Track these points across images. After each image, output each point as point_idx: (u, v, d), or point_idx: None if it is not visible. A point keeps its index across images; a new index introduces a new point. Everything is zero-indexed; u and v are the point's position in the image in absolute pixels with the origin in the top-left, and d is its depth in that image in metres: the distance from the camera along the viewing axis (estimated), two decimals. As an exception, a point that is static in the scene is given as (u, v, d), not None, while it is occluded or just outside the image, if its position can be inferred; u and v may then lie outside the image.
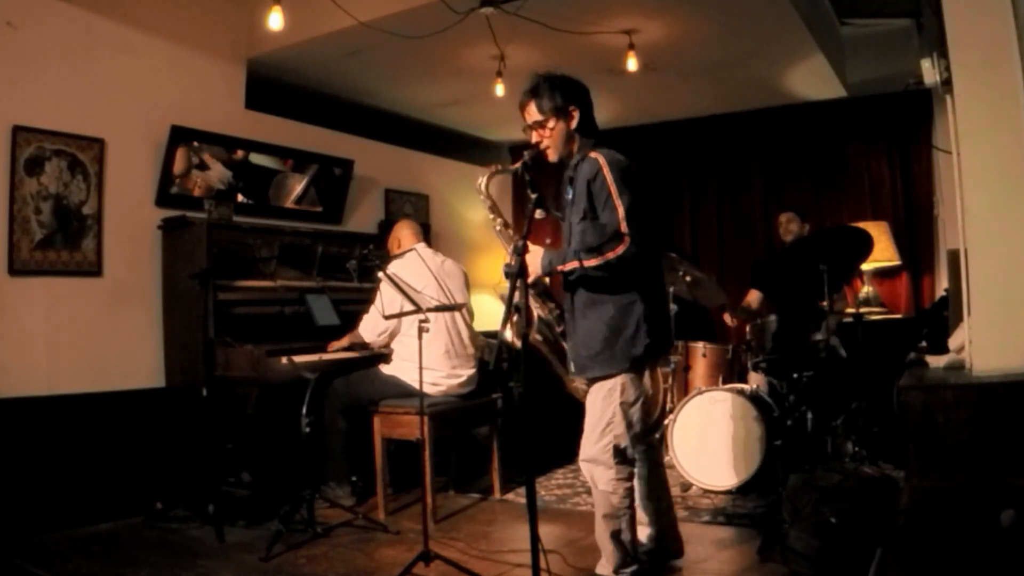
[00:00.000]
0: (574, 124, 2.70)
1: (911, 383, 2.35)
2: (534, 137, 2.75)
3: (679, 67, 5.10)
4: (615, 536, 2.63)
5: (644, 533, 2.91)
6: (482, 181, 2.84)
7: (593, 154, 2.62)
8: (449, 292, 3.97)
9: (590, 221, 2.59)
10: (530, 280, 2.62)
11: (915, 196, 5.62)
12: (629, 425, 2.62)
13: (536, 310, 2.78)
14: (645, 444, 2.86)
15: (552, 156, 2.74)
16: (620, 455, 2.61)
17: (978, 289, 2.33)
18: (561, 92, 2.69)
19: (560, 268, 2.61)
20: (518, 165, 2.72)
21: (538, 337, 2.77)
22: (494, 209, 2.87)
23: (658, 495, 2.93)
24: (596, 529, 2.68)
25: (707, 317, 5.88)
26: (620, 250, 2.50)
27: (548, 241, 2.82)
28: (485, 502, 4.11)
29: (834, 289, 4.12)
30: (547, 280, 2.83)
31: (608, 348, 2.59)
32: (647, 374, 2.72)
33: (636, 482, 2.87)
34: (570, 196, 2.72)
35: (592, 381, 2.68)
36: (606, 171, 2.55)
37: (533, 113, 2.72)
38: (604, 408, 2.62)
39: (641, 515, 2.90)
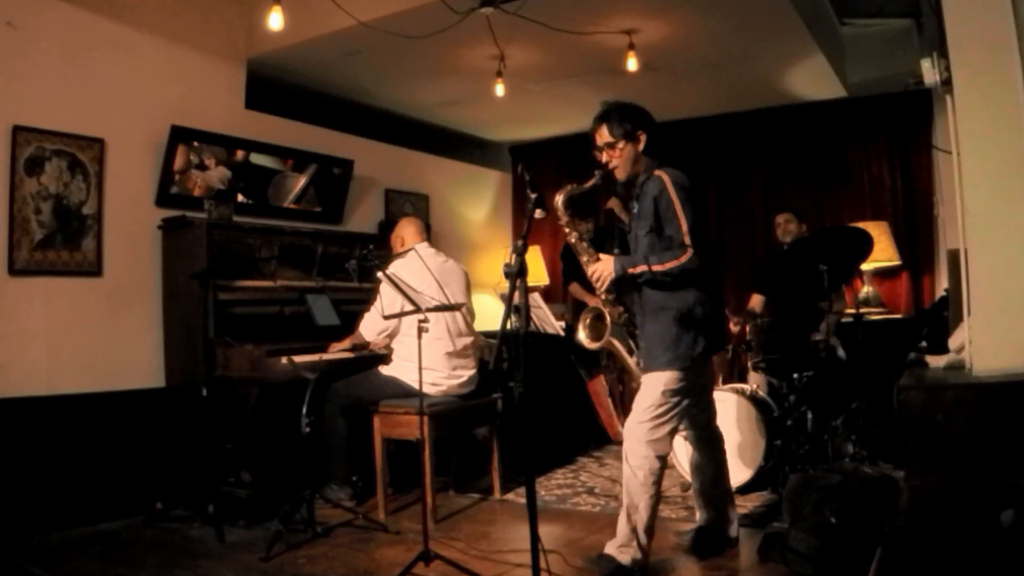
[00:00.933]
0: (641, 147, 2.95)
1: (911, 383, 2.36)
2: (604, 158, 2.99)
3: (679, 67, 5.10)
4: (628, 516, 2.83)
5: (698, 515, 3.23)
6: (559, 199, 3.00)
7: (658, 173, 2.89)
8: (449, 292, 3.97)
9: (656, 233, 2.88)
10: (605, 284, 2.92)
11: (915, 196, 5.62)
12: (669, 412, 2.86)
13: (607, 315, 3.01)
14: (701, 433, 3.15)
15: (621, 175, 3.00)
16: (653, 435, 2.83)
17: (978, 289, 2.33)
18: (630, 118, 2.95)
19: (631, 271, 2.88)
20: (591, 183, 2.96)
21: (613, 340, 3.01)
22: (570, 224, 3.04)
23: (705, 480, 3.17)
24: (621, 508, 2.88)
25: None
26: (684, 259, 2.78)
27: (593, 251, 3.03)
28: (485, 502, 4.11)
29: (833, 289, 4.12)
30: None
31: (674, 348, 2.85)
32: (703, 368, 3.01)
33: (691, 471, 3.23)
34: (636, 211, 2.99)
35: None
36: (670, 189, 2.83)
37: (604, 136, 2.96)
38: (651, 394, 2.87)
39: (697, 501, 3.21)
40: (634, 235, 3.03)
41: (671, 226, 2.83)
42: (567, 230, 3.06)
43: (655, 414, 2.84)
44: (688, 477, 4.06)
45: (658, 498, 2.87)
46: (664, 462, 2.89)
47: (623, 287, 3.01)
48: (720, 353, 4.72)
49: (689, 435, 3.21)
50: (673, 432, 2.92)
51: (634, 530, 2.81)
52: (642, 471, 2.82)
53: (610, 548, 2.86)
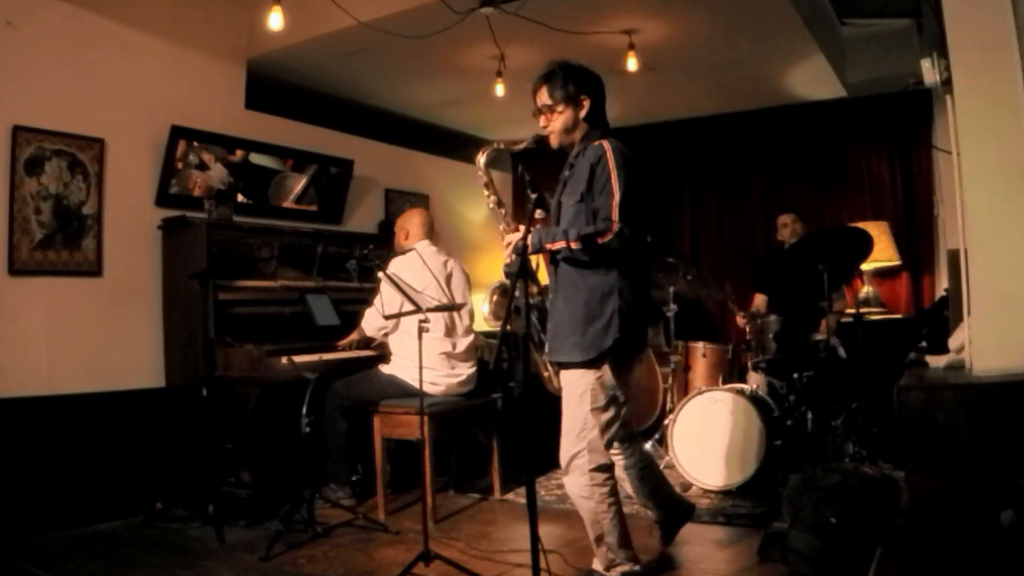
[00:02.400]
0: (583, 113, 2.73)
1: (911, 383, 2.35)
2: (541, 121, 2.79)
3: (679, 67, 5.10)
4: (598, 540, 2.68)
5: (653, 516, 3.08)
6: (481, 157, 2.87)
7: (600, 141, 2.66)
8: (449, 292, 3.97)
9: (584, 203, 2.62)
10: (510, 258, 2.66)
11: (915, 196, 5.62)
12: (602, 431, 2.64)
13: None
14: (629, 445, 2.90)
15: (554, 142, 2.78)
16: (594, 461, 2.63)
17: (978, 289, 2.32)
18: (574, 80, 2.72)
19: (549, 246, 2.62)
20: (521, 146, 2.76)
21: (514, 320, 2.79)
22: (489, 186, 2.87)
23: (655, 489, 3.00)
24: (588, 531, 2.73)
25: (707, 317, 5.88)
26: (608, 236, 2.52)
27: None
28: (485, 502, 4.11)
29: (833, 289, 4.12)
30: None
31: (579, 335, 2.60)
32: (621, 375, 2.69)
33: (633, 483, 2.94)
34: (566, 178, 2.75)
35: (560, 367, 2.70)
36: (609, 156, 2.59)
37: (544, 97, 2.76)
38: (576, 413, 2.64)
39: (648, 505, 3.04)
40: (556, 204, 2.77)
41: (602, 197, 2.57)
42: (486, 192, 2.85)
43: (590, 437, 2.61)
44: (687, 477, 4.07)
45: (619, 506, 2.70)
46: (611, 472, 2.70)
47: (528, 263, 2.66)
48: (719, 353, 4.74)
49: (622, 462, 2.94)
50: (611, 445, 2.70)
51: (610, 550, 2.68)
52: (593, 499, 2.63)
53: (597, 566, 2.74)
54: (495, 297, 2.89)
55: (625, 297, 2.60)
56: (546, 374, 2.88)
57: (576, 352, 2.60)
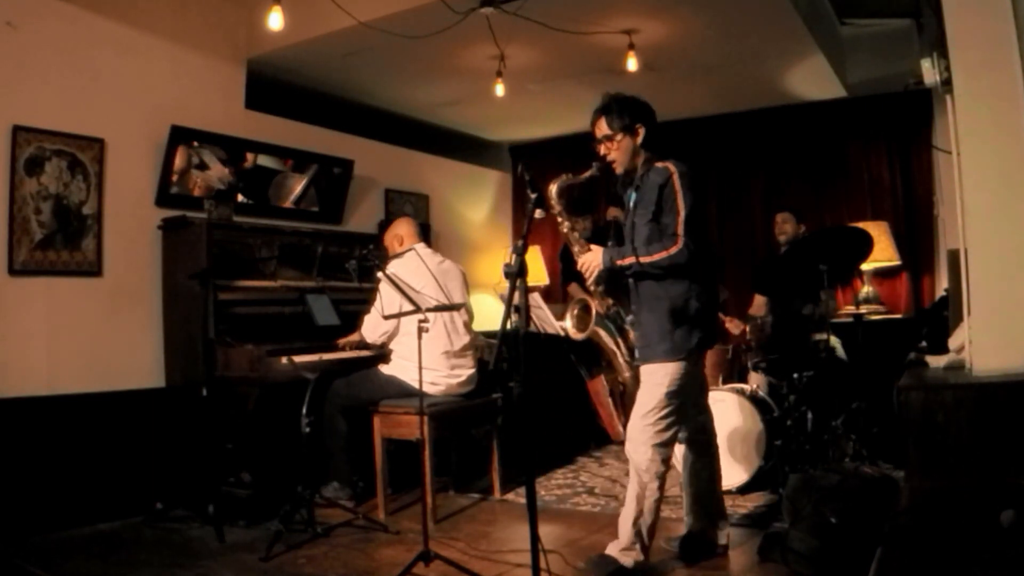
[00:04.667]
0: (639, 140, 2.94)
1: (911, 383, 2.36)
2: (602, 150, 2.98)
3: (679, 67, 5.10)
4: (635, 520, 2.81)
5: (687, 521, 3.14)
6: (553, 188, 3.02)
7: (664, 163, 2.87)
8: (448, 292, 3.97)
9: (657, 223, 2.85)
10: (594, 275, 2.93)
11: (915, 196, 5.62)
12: (672, 412, 2.84)
13: (595, 306, 3.03)
14: (697, 436, 3.09)
15: (619, 169, 2.99)
16: (658, 438, 2.81)
17: (978, 289, 2.33)
18: (629, 112, 2.93)
19: (620, 263, 2.86)
20: (588, 174, 2.94)
21: (598, 330, 3.02)
22: (562, 215, 3.05)
23: (700, 485, 3.10)
24: (624, 508, 2.86)
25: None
26: (672, 251, 2.77)
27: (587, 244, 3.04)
28: (485, 502, 4.11)
29: (825, 287, 4.10)
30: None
31: (668, 340, 2.83)
32: (696, 364, 2.96)
33: (686, 476, 3.15)
34: (634, 200, 2.97)
35: (640, 366, 2.92)
36: (675, 178, 2.82)
37: (603, 128, 2.96)
38: (652, 395, 2.84)
39: (689, 507, 3.13)
40: (630, 225, 2.99)
41: (669, 215, 2.80)
42: (559, 219, 3.05)
43: (659, 415, 2.82)
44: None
45: (663, 496, 2.86)
46: (668, 463, 2.87)
47: (614, 279, 2.99)
48: (719, 353, 4.74)
49: (685, 437, 3.15)
50: (676, 432, 2.90)
51: (639, 533, 2.80)
52: (648, 473, 2.80)
53: (612, 550, 2.84)
54: (575, 311, 3.12)
55: (701, 301, 2.86)
56: (625, 375, 3.08)
57: (670, 355, 2.83)
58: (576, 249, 2.99)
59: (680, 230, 2.76)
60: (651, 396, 2.85)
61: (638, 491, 2.82)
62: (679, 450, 3.13)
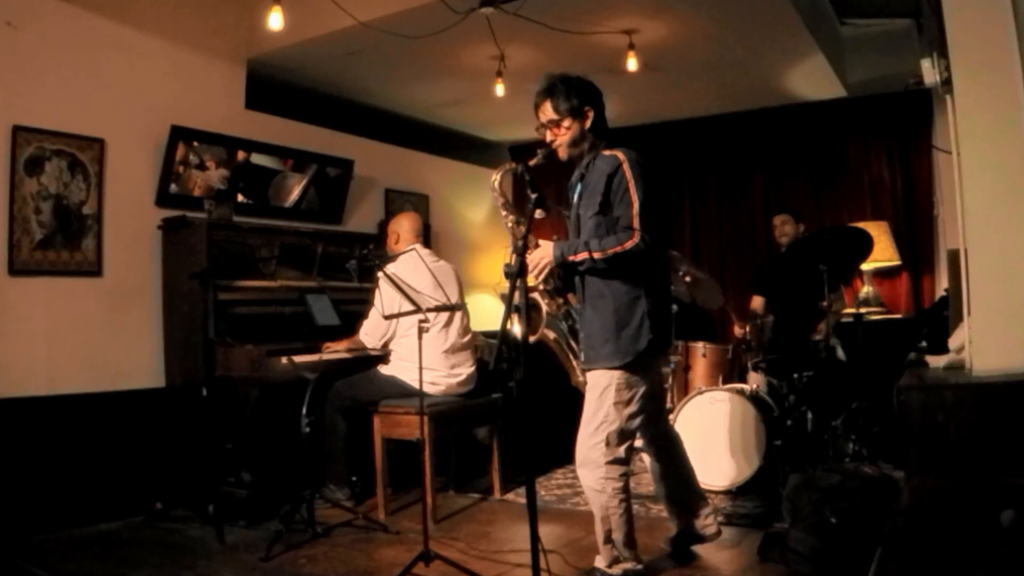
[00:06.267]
0: (588, 124, 2.76)
1: (911, 383, 2.36)
2: (547, 136, 2.80)
3: (679, 67, 5.10)
4: (607, 536, 2.69)
5: (672, 524, 3.05)
6: (496, 178, 2.89)
7: (612, 151, 2.69)
8: (447, 292, 3.97)
9: (604, 215, 2.65)
10: (544, 272, 2.70)
11: (915, 196, 5.62)
12: (622, 423, 2.66)
13: (544, 306, 2.84)
14: (653, 438, 2.93)
15: (563, 155, 2.79)
16: (611, 454, 2.65)
17: (978, 289, 2.33)
18: (577, 93, 2.74)
19: (571, 258, 2.66)
20: (533, 162, 2.75)
21: (548, 332, 2.84)
22: (506, 206, 2.90)
23: (673, 487, 3.00)
24: (595, 526, 2.74)
25: (707, 317, 5.87)
26: (628, 244, 2.57)
27: (555, 236, 2.86)
28: (485, 502, 4.11)
29: (832, 289, 4.12)
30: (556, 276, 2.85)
31: (613, 341, 2.64)
32: (648, 371, 2.74)
33: (652, 479, 3.00)
34: (579, 191, 2.78)
35: (587, 372, 2.73)
36: (626, 167, 2.62)
37: (548, 112, 2.77)
38: (597, 407, 2.67)
39: (668, 509, 3.04)
40: (575, 217, 2.78)
41: (621, 206, 2.61)
42: (503, 212, 2.87)
43: (609, 431, 2.63)
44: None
45: (630, 503, 2.71)
46: (626, 468, 2.70)
47: (567, 277, 2.79)
48: (719, 352, 4.73)
49: (644, 445, 2.97)
50: (630, 445, 2.71)
51: (616, 547, 2.69)
52: (604, 494, 2.64)
53: (600, 563, 2.73)
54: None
55: (651, 300, 2.66)
56: (579, 379, 2.90)
57: (614, 358, 2.64)
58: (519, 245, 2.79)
59: (636, 223, 2.57)
60: (597, 408, 2.65)
61: (602, 513, 2.66)
62: (644, 457, 3.07)
